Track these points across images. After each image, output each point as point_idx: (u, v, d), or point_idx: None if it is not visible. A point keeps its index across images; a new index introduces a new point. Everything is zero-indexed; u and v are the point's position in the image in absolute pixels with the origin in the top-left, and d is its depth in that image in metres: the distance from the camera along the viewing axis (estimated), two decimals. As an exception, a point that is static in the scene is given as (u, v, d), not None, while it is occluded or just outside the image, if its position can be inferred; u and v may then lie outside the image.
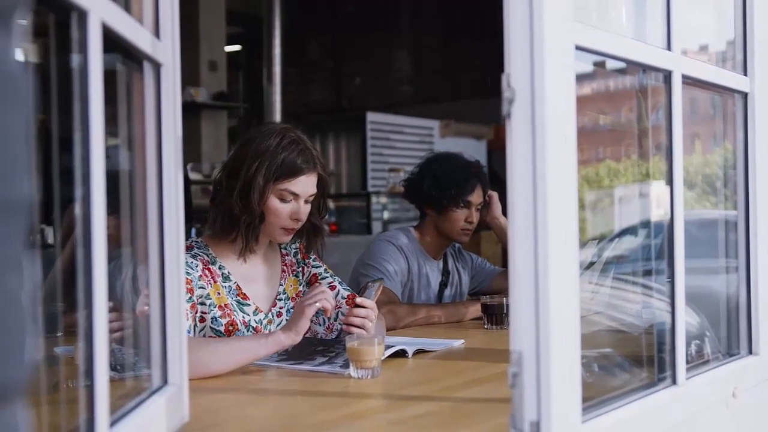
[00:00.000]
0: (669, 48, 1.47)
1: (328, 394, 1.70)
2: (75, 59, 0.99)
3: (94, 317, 0.98)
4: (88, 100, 0.98)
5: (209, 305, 2.06)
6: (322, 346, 2.08)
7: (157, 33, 1.31)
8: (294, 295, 2.27)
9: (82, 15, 0.97)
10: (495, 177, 3.62)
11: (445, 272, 3.07)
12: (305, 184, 2.11)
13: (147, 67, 1.29)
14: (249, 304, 2.14)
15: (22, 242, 0.55)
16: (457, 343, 2.28)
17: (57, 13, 0.97)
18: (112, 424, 1.05)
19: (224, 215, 2.11)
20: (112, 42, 1.07)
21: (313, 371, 1.89)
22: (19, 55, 0.56)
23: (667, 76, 1.47)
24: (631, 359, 1.66)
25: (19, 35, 0.56)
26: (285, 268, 2.28)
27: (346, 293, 2.28)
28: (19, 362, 0.54)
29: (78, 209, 0.98)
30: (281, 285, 2.24)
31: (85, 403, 0.98)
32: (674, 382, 1.46)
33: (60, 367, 1.36)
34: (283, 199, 2.10)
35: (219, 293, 2.09)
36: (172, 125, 1.34)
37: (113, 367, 1.18)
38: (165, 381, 1.33)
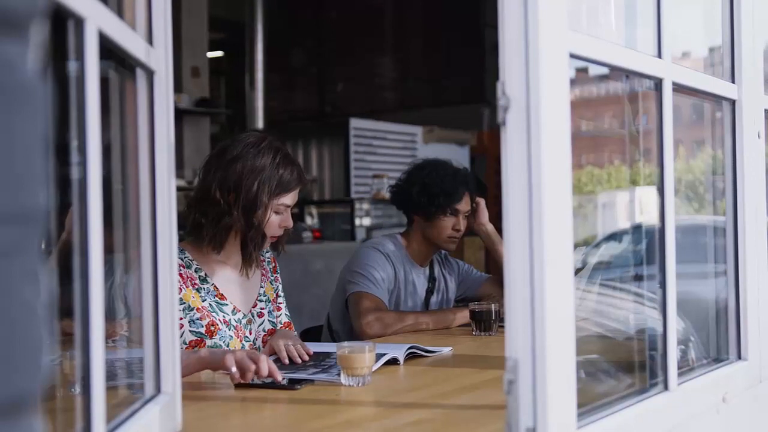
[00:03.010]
0: (659, 56, 1.48)
1: (320, 402, 1.69)
2: (71, 66, 0.98)
3: (90, 326, 0.97)
4: (85, 107, 0.97)
5: (183, 309, 2.11)
6: (314, 359, 2.07)
7: (150, 40, 1.30)
8: (272, 299, 2.36)
9: (79, 22, 0.96)
10: (478, 183, 3.60)
11: (432, 279, 3.06)
12: (296, 195, 2.25)
13: (140, 75, 1.29)
14: (227, 304, 2.21)
15: (38, 253, 0.55)
16: (446, 350, 2.28)
17: (53, 20, 0.96)
18: (108, 433, 1.04)
19: (222, 231, 2.16)
20: (106, 49, 1.07)
21: (307, 379, 1.88)
22: (35, 65, 0.56)
23: (658, 83, 1.48)
24: (622, 365, 1.66)
25: (35, 45, 0.56)
26: (264, 272, 2.37)
27: (285, 319, 2.39)
28: (35, 373, 0.53)
29: (74, 216, 0.97)
30: (261, 287, 2.33)
31: (81, 412, 0.97)
32: (666, 387, 1.47)
33: (51, 377, 1.35)
34: (278, 212, 2.21)
35: (194, 296, 2.15)
36: (165, 132, 1.33)
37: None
38: (158, 390, 1.32)
